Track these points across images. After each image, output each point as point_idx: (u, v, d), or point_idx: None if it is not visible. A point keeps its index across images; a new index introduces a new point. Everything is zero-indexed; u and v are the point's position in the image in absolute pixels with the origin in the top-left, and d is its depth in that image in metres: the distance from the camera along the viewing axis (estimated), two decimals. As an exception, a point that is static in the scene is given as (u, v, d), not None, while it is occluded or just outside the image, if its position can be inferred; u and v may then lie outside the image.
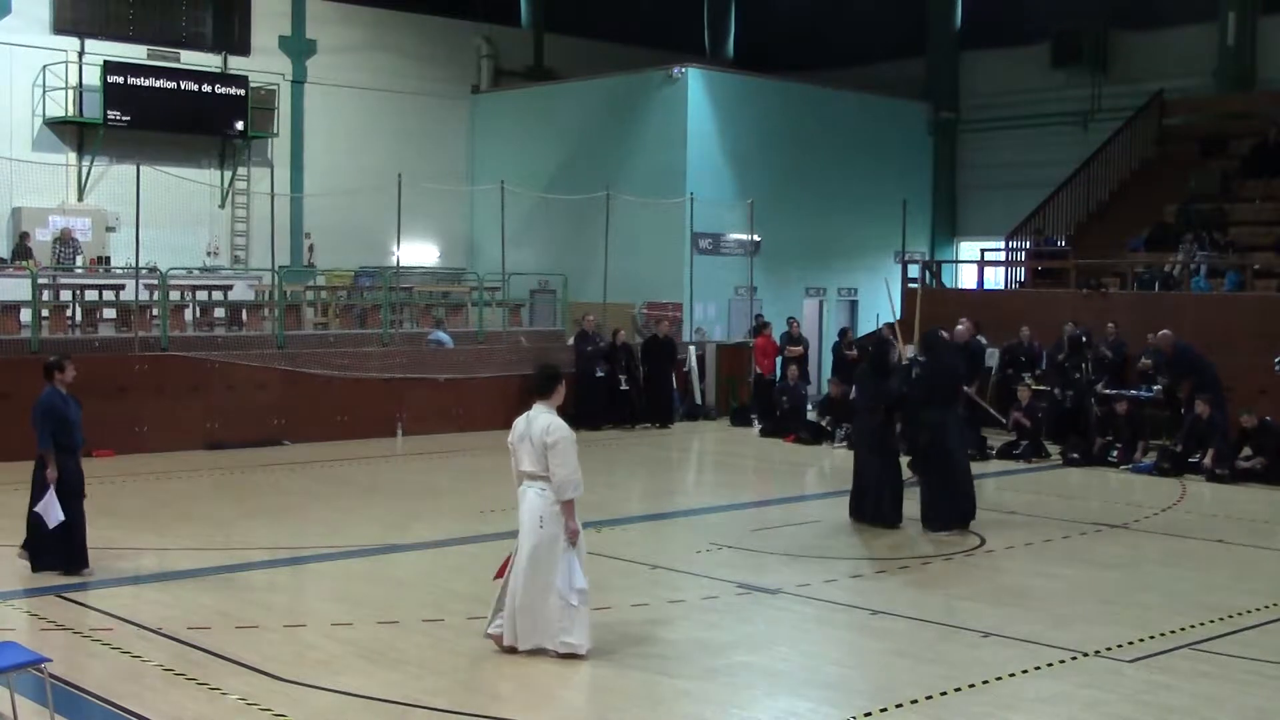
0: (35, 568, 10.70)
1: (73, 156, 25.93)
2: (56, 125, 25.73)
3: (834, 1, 32.51)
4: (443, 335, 22.54)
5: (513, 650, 8.47)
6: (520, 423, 8.56)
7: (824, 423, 20.44)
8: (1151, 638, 9.16)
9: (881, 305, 28.24)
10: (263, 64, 28.22)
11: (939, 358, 13.72)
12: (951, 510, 13.12)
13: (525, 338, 23.72)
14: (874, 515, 13.31)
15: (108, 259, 24.17)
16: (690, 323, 25.68)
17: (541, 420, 8.45)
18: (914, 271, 26.53)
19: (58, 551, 10.67)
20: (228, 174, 27.93)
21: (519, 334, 23.97)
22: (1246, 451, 16.89)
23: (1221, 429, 17.19)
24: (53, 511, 10.50)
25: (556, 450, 8.32)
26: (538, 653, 8.62)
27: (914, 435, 13.56)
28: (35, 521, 10.65)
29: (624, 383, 21.54)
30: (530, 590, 8.39)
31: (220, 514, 13.77)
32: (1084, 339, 20.41)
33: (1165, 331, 19.11)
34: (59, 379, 10.88)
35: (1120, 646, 8.93)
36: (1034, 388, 19.67)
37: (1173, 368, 18.89)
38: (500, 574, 8.69)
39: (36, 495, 10.66)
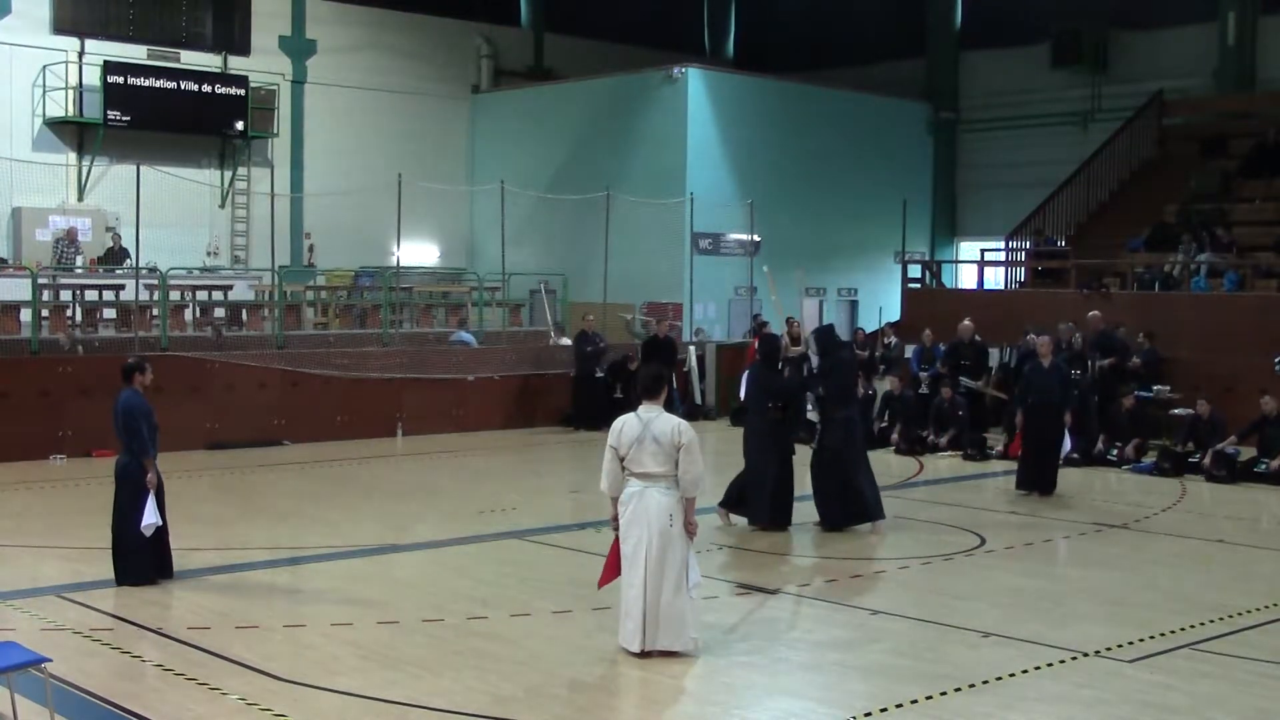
0: (124, 580, 10.32)
1: (73, 156, 25.95)
2: (56, 125, 25.74)
3: (834, 1, 32.52)
4: (466, 335, 22.56)
5: (647, 654, 8.41)
6: (631, 424, 8.52)
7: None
8: (1151, 638, 9.15)
9: (883, 304, 28.33)
10: (263, 64, 28.23)
11: (838, 356, 13.50)
12: (862, 507, 12.92)
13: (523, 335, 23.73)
14: (772, 517, 12.98)
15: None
16: (690, 323, 25.68)
17: (665, 421, 8.47)
18: (914, 271, 26.56)
19: (147, 561, 10.34)
20: (228, 174, 27.94)
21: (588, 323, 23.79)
22: (1252, 452, 16.87)
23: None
24: (150, 517, 10.20)
25: (689, 449, 8.40)
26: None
27: (825, 435, 13.25)
28: (123, 535, 10.31)
29: (618, 390, 21.52)
30: (667, 589, 8.40)
31: (220, 514, 13.76)
32: (1080, 339, 20.40)
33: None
34: (139, 380, 10.47)
35: (1120, 646, 8.93)
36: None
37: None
38: (606, 580, 8.67)
39: (129, 505, 10.28)
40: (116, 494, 10.45)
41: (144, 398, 10.46)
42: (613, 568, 8.65)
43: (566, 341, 23.13)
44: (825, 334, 14.02)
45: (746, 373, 14.22)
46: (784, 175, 28.29)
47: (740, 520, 13.13)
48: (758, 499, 13.08)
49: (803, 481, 13.43)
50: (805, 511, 13.48)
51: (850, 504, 13.02)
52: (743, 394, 13.91)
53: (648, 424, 8.48)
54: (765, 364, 13.71)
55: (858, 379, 13.71)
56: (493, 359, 21.87)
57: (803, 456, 13.55)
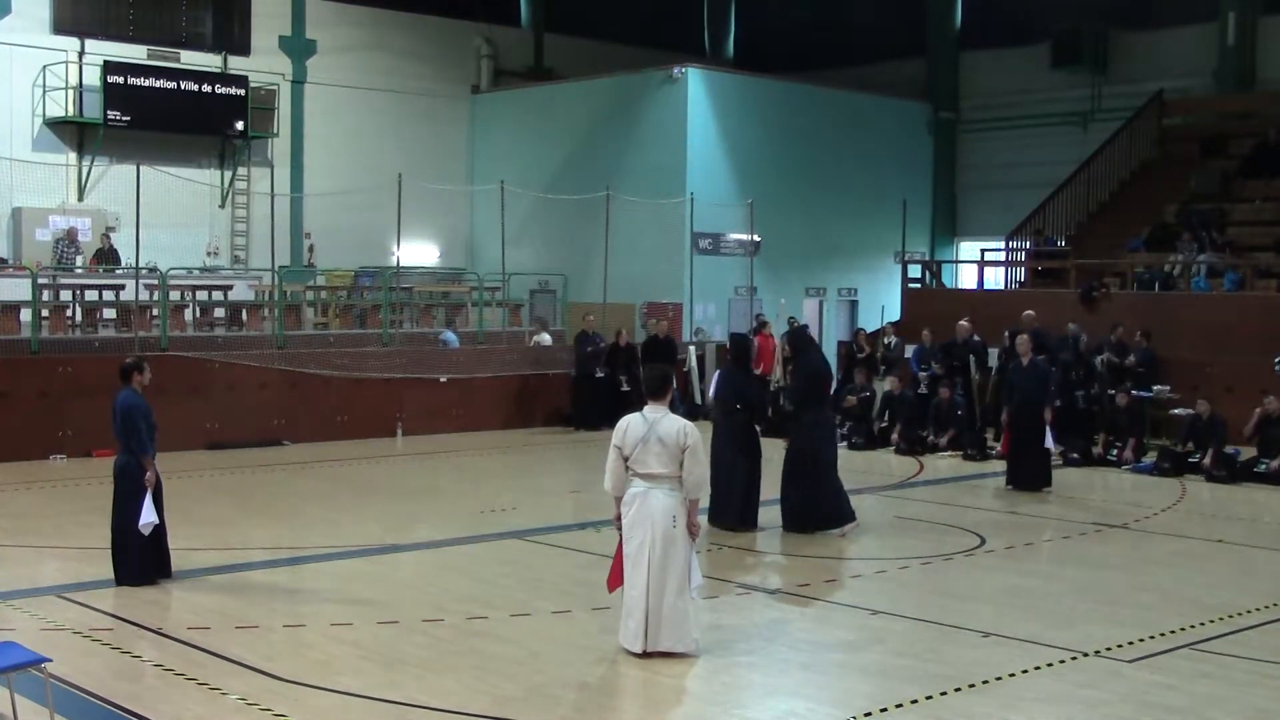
0: (123, 580, 10.31)
1: (73, 156, 25.94)
2: (56, 125, 25.73)
3: (834, 1, 32.51)
4: (448, 334, 22.60)
5: (646, 655, 8.38)
6: (635, 424, 8.48)
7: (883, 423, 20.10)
8: (1151, 638, 9.16)
9: (884, 304, 28.34)
10: (263, 64, 28.22)
11: (808, 358, 13.37)
12: (832, 511, 12.82)
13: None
14: (741, 518, 12.83)
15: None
16: (690, 323, 25.68)
17: (671, 423, 8.45)
18: (914, 271, 26.56)
19: (147, 560, 10.32)
20: (228, 174, 27.93)
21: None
22: (1252, 452, 16.87)
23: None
24: (148, 516, 10.18)
25: (694, 451, 8.40)
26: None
27: (792, 438, 13.04)
28: (120, 535, 10.31)
29: (625, 384, 21.51)
30: (669, 590, 8.38)
31: (220, 514, 13.76)
32: (1081, 339, 20.44)
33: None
34: (137, 380, 10.46)
35: (1120, 646, 8.93)
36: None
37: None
38: (616, 584, 8.63)
39: (127, 504, 10.27)
40: (115, 493, 10.44)
41: (142, 397, 10.46)
42: (620, 571, 8.61)
43: (546, 339, 23.12)
44: (795, 335, 13.88)
45: (717, 373, 13.99)
46: (784, 175, 28.28)
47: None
48: (727, 500, 12.91)
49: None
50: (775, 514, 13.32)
51: (817, 508, 12.84)
52: (711, 393, 13.68)
53: (653, 424, 8.45)
54: (735, 364, 13.55)
55: (828, 382, 13.56)
56: (492, 359, 21.88)
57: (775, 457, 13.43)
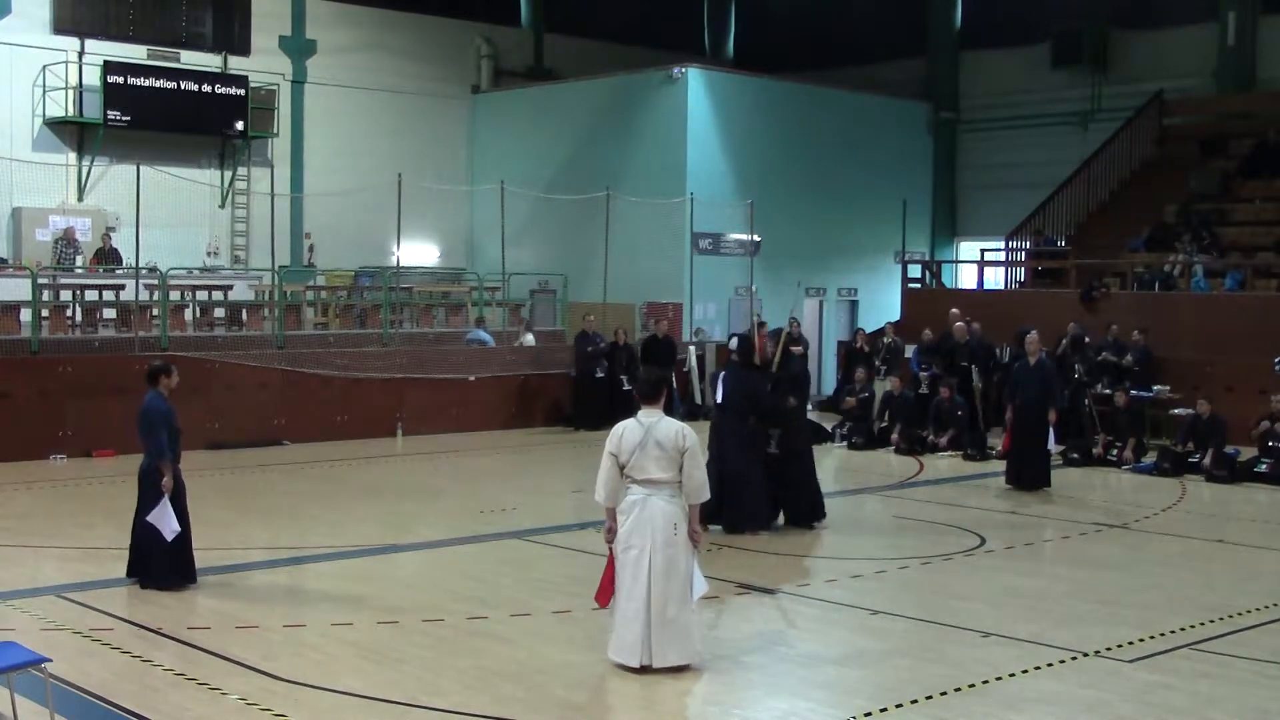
0: (147, 584, 10.19)
1: (73, 156, 25.91)
2: (56, 125, 25.71)
3: (834, 1, 32.51)
4: (484, 334, 22.57)
5: (647, 669, 8.18)
6: (631, 430, 8.28)
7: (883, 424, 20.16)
8: (1151, 638, 9.16)
9: (884, 304, 28.35)
10: (263, 64, 28.20)
11: (792, 363, 13.48)
12: (819, 505, 13.26)
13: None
14: (758, 525, 12.76)
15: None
16: (690, 323, 25.67)
17: (667, 425, 8.28)
18: (914, 271, 26.56)
19: (169, 566, 10.19)
20: (228, 174, 27.91)
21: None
22: (1252, 452, 16.87)
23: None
24: (168, 522, 10.05)
25: (694, 454, 8.25)
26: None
27: (792, 439, 13.12)
28: (142, 538, 10.20)
29: (626, 383, 21.52)
30: (673, 601, 8.18)
31: (220, 514, 13.74)
32: (1084, 339, 20.44)
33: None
34: (164, 383, 10.30)
35: (1120, 646, 8.93)
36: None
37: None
38: (607, 597, 8.41)
39: (147, 508, 10.14)
40: (139, 497, 10.29)
41: (166, 401, 10.29)
42: (611, 585, 8.34)
43: (530, 340, 23.10)
44: (785, 334, 13.91)
45: (722, 374, 13.87)
46: (784, 175, 28.27)
47: (714, 528, 12.64)
48: (747, 504, 12.79)
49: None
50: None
51: (816, 502, 13.25)
52: (719, 396, 13.55)
53: (649, 429, 8.27)
54: (743, 365, 13.37)
55: (806, 386, 13.97)
56: (493, 359, 21.89)
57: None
